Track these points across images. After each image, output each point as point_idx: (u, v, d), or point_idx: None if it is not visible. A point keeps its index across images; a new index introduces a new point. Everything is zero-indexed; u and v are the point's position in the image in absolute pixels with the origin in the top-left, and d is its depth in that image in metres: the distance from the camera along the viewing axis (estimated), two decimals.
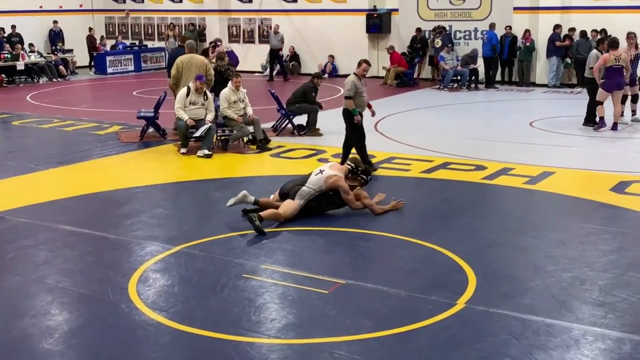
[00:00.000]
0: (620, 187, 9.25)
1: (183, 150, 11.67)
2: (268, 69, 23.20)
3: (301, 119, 13.45)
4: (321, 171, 8.15)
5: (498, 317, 5.46)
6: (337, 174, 8.05)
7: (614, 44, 13.30)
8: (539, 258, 6.82)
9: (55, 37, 25.31)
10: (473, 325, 5.34)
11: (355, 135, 10.22)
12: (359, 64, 10.26)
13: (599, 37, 18.94)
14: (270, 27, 23.34)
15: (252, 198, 8.02)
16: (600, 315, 5.49)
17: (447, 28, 21.28)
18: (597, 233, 7.54)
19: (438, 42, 20.82)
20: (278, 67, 22.87)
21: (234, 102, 11.92)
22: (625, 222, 8.08)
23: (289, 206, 7.95)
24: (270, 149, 11.84)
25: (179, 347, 5.12)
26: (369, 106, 10.51)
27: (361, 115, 10.20)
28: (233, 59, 18.47)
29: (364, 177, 8.32)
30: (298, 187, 8.07)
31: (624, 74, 13.15)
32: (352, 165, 8.29)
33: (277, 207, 7.98)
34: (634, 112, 14.14)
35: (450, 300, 5.75)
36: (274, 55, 22.57)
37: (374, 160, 10.65)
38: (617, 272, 6.37)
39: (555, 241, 7.28)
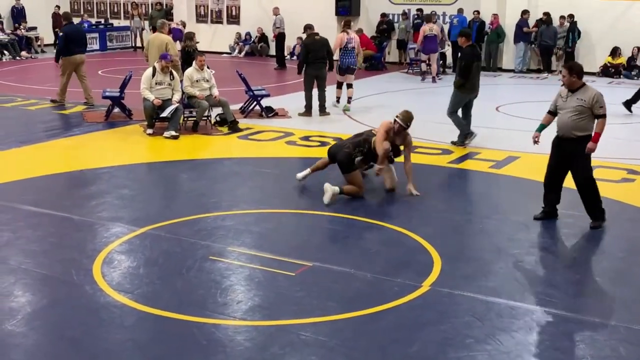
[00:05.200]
0: None
1: (149, 131, 11.53)
2: (237, 51, 22.69)
3: (269, 101, 13.38)
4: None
5: (462, 299, 5.53)
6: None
7: (428, 19, 18.00)
8: (502, 241, 6.91)
9: (18, 14, 24.70)
10: (438, 307, 5.40)
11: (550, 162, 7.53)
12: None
13: (566, 22, 19.17)
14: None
15: (336, 189, 7.98)
16: (562, 298, 5.59)
17: (416, 12, 21.30)
18: (559, 217, 7.65)
19: (402, 25, 21.08)
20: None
21: (197, 80, 11.85)
22: None
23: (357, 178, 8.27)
24: (240, 130, 11.78)
25: (143, 328, 5.10)
26: (595, 137, 7.02)
27: (565, 142, 7.33)
28: (178, 34, 18.00)
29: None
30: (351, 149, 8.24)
31: (437, 41, 17.59)
32: (403, 122, 8.34)
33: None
34: (349, 99, 13.74)
35: (415, 282, 5.81)
36: (280, 40, 20.74)
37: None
38: (578, 255, 6.48)
39: (519, 224, 7.38)
